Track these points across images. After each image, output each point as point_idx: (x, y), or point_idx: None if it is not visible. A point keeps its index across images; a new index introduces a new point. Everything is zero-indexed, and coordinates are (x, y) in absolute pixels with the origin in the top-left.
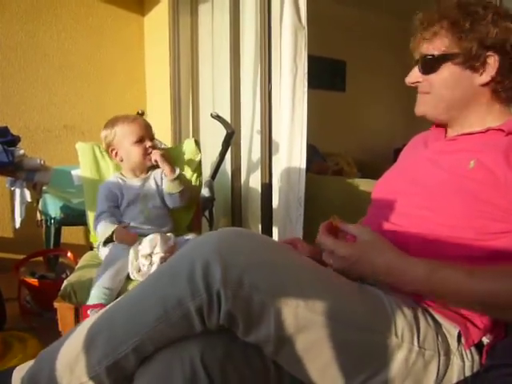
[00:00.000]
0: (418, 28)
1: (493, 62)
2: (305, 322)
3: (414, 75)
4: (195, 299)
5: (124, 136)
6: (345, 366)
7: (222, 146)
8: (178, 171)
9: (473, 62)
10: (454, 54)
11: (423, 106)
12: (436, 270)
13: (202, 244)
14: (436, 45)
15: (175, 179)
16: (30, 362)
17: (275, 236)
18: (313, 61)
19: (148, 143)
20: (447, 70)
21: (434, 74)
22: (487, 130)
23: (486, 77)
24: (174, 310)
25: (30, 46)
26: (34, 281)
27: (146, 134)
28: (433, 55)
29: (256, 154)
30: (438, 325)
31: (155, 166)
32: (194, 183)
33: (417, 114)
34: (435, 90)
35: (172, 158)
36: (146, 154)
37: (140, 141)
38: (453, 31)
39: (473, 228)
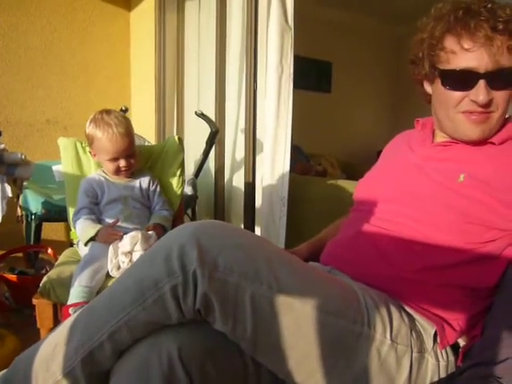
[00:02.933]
0: (492, 29)
1: None
2: (279, 306)
3: (487, 93)
4: (170, 280)
5: (99, 148)
6: (320, 355)
7: (206, 144)
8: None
9: None
10: None
11: (488, 132)
12: None
13: (179, 231)
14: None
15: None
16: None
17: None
18: (299, 61)
19: (122, 162)
20: None
21: (505, 91)
22: (479, 143)
23: None
24: (149, 291)
25: (13, 39)
26: (12, 277)
27: (121, 154)
28: None
29: (240, 153)
30: (412, 322)
31: (140, 166)
32: (176, 181)
33: (475, 137)
34: (502, 108)
35: (155, 155)
36: (119, 171)
37: (114, 160)
38: None
39: (460, 239)
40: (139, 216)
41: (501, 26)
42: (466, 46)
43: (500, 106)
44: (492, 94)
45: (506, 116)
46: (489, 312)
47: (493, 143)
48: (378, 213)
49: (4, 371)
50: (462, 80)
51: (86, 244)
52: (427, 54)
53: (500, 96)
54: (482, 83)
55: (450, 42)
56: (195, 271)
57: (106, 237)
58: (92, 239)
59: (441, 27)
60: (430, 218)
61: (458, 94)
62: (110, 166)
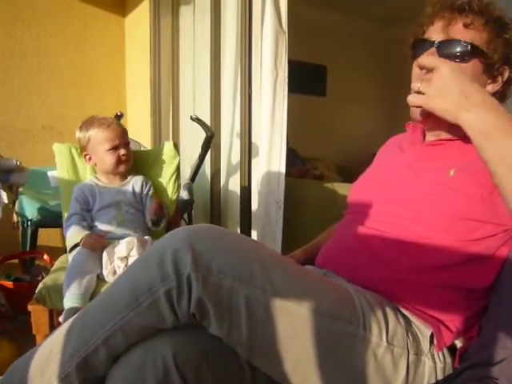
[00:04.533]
0: (458, 7)
1: (506, 74)
2: (274, 309)
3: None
4: (165, 284)
5: (98, 142)
6: (316, 358)
7: (202, 148)
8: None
9: (493, 69)
10: (486, 53)
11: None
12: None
13: (172, 235)
14: (472, 34)
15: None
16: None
17: (254, 238)
18: (293, 65)
19: (122, 151)
20: (471, 65)
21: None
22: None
23: (494, 87)
24: (144, 295)
25: (8, 46)
26: (8, 283)
27: (120, 142)
28: (469, 43)
29: (236, 157)
30: (408, 324)
31: (135, 170)
32: (172, 186)
33: (410, 104)
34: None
35: (150, 160)
36: (120, 162)
37: (114, 148)
38: (496, 33)
39: (451, 238)
40: (133, 221)
41: (465, 6)
42: (433, 23)
43: None
44: None
45: None
46: (485, 313)
47: None
48: (372, 214)
49: (0, 378)
50: (419, 48)
51: (70, 251)
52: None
53: None
54: (430, 50)
55: (427, 23)
56: (189, 275)
57: (90, 243)
58: (76, 246)
59: (428, 12)
60: (423, 217)
61: (416, 71)
62: (111, 158)
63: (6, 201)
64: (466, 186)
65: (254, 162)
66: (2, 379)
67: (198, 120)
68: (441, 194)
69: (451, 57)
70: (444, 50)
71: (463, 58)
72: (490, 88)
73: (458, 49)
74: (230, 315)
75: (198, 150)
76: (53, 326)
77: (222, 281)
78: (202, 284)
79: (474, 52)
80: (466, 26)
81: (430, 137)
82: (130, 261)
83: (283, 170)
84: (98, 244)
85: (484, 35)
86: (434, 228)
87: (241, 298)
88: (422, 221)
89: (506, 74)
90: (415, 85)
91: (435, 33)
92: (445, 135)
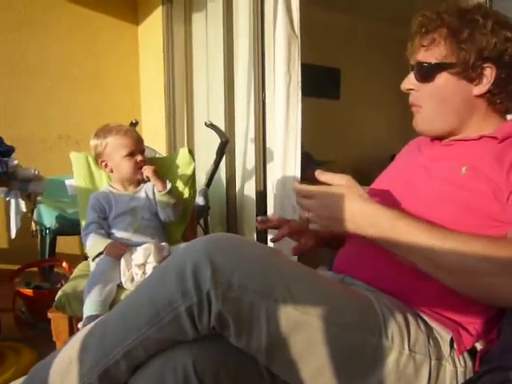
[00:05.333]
0: (417, 33)
1: (489, 73)
2: (294, 323)
3: (410, 81)
4: (186, 300)
5: (115, 149)
6: (336, 368)
7: (217, 154)
8: (169, 186)
9: (469, 73)
10: (451, 64)
11: (421, 124)
12: (402, 217)
13: (191, 247)
14: (433, 52)
15: (167, 193)
16: (23, 378)
17: (270, 244)
18: (307, 69)
19: (139, 157)
20: (443, 79)
21: (430, 83)
22: (480, 138)
23: (481, 88)
24: (164, 311)
25: (24, 57)
26: (28, 291)
27: (137, 148)
28: (429, 63)
29: (250, 162)
30: (429, 329)
31: (146, 180)
32: (188, 192)
33: (417, 131)
34: (428, 101)
35: (166, 167)
36: (137, 168)
37: (131, 154)
38: (451, 40)
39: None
40: (149, 227)
41: (423, 30)
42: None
43: (424, 99)
44: (419, 86)
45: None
46: (504, 314)
47: (495, 138)
48: None
49: (20, 381)
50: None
51: (93, 259)
52: None
53: (424, 88)
54: (410, 74)
55: None
56: (209, 292)
57: (114, 251)
58: (100, 254)
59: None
60: (437, 216)
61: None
62: (128, 165)
63: (24, 210)
64: (477, 183)
65: (268, 166)
66: (24, 382)
67: (212, 126)
68: (455, 193)
69: (424, 80)
70: (416, 73)
71: (433, 77)
72: (479, 90)
73: (424, 71)
74: (250, 328)
75: (213, 156)
76: (72, 332)
77: (242, 295)
78: (221, 300)
79: (438, 68)
80: (424, 46)
81: (447, 138)
82: (148, 267)
83: (298, 173)
84: (122, 252)
85: (443, 48)
86: (446, 226)
87: (262, 312)
88: (435, 220)
89: (489, 71)
90: (303, 214)
91: (411, 56)
92: (460, 136)
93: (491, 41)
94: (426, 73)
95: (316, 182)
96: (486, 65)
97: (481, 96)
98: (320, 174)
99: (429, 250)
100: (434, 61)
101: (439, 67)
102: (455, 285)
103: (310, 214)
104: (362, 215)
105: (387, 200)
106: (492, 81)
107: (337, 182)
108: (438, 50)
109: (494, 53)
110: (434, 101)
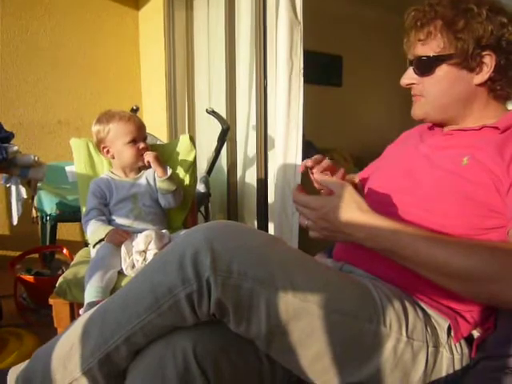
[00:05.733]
0: (412, 28)
1: (489, 60)
2: (294, 310)
3: (409, 76)
4: (186, 287)
5: (118, 135)
6: (335, 354)
7: (218, 141)
8: (169, 172)
9: (469, 62)
10: (449, 55)
11: (420, 110)
12: (401, 229)
13: (191, 234)
14: (431, 46)
15: (167, 179)
16: (26, 362)
17: (271, 231)
18: (309, 56)
19: (141, 144)
20: (443, 71)
21: (430, 76)
22: (481, 128)
23: (482, 76)
24: (164, 298)
25: (23, 41)
26: (29, 277)
27: (140, 135)
28: (428, 56)
29: (252, 150)
30: (427, 316)
31: (147, 166)
32: (188, 179)
33: (414, 118)
34: (430, 93)
35: (167, 154)
36: (139, 155)
37: (133, 141)
38: (448, 31)
39: (464, 225)
40: (150, 213)
41: (417, 24)
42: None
43: (426, 91)
44: (420, 80)
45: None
46: None
47: (497, 128)
48: (389, 204)
49: (23, 366)
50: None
51: (94, 246)
52: None
53: (425, 81)
54: (409, 69)
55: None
56: (209, 278)
57: (115, 238)
58: (101, 241)
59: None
60: (438, 206)
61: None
62: (130, 152)
63: (25, 196)
64: (478, 174)
65: (270, 154)
66: (26, 367)
67: (213, 113)
68: (455, 183)
69: (423, 73)
70: (415, 68)
71: (433, 70)
72: (480, 79)
73: (423, 65)
74: (250, 315)
75: (214, 143)
76: (73, 318)
77: (242, 282)
78: (221, 287)
79: (437, 61)
80: (421, 40)
81: (448, 128)
82: (148, 254)
83: (299, 161)
84: (124, 239)
85: (440, 40)
86: (447, 216)
87: (261, 299)
88: (437, 209)
89: (489, 59)
90: (303, 221)
91: (408, 51)
92: (463, 125)
93: (488, 28)
94: (426, 66)
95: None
96: (484, 53)
97: (481, 85)
98: (318, 175)
99: (429, 260)
100: (432, 54)
101: (438, 60)
102: (457, 290)
103: (309, 222)
104: (361, 228)
105: (387, 190)
106: (492, 68)
107: (335, 188)
108: (435, 43)
109: (491, 40)
110: (436, 92)
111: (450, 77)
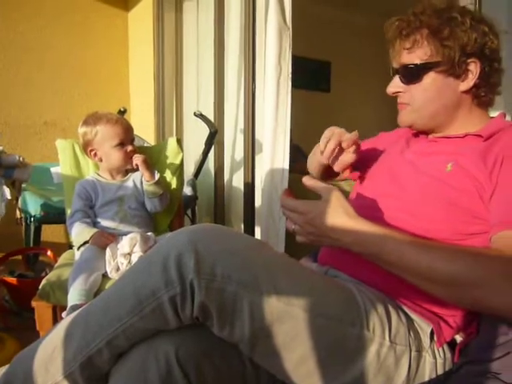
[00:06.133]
0: (396, 37)
1: (474, 67)
2: (278, 314)
3: (396, 85)
4: (169, 290)
5: (105, 138)
6: (318, 358)
7: (205, 144)
8: (157, 176)
9: (456, 69)
10: (437, 62)
11: (407, 118)
12: (388, 235)
13: (175, 237)
14: (417, 54)
15: (154, 183)
16: (7, 366)
17: (258, 235)
18: (297, 61)
19: (129, 147)
20: (430, 79)
21: (417, 84)
22: (465, 135)
23: (468, 83)
24: (147, 300)
25: (11, 41)
26: (12, 280)
27: (127, 138)
28: (415, 64)
29: (239, 154)
30: (410, 321)
31: (135, 169)
32: (175, 182)
33: (401, 125)
34: (418, 100)
35: (154, 156)
36: (128, 158)
37: (121, 144)
38: (434, 39)
39: (449, 230)
40: (135, 216)
41: (403, 33)
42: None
43: (413, 99)
44: (407, 88)
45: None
46: None
47: (480, 136)
48: (374, 209)
49: (4, 369)
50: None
51: (78, 248)
52: None
53: (412, 89)
54: (395, 77)
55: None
56: (192, 281)
57: (100, 240)
58: (86, 243)
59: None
60: (422, 211)
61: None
62: (118, 155)
63: (9, 197)
64: (462, 180)
65: (257, 158)
66: (7, 370)
67: (201, 116)
68: (440, 189)
69: (410, 81)
70: (402, 76)
71: (420, 77)
72: (465, 85)
73: (410, 73)
74: (233, 318)
75: (202, 146)
76: (56, 321)
77: (225, 285)
78: (204, 290)
79: (424, 68)
80: (406, 49)
81: (433, 134)
82: (133, 257)
83: (287, 166)
84: (109, 242)
85: (427, 48)
86: (432, 221)
87: (245, 302)
88: (422, 214)
89: (474, 66)
90: (290, 225)
91: (393, 60)
92: (447, 132)
93: (472, 36)
94: (413, 74)
95: (305, 174)
96: (470, 60)
97: (467, 92)
98: (307, 180)
99: (413, 266)
100: (419, 61)
101: (426, 67)
102: (441, 295)
103: (296, 226)
104: (348, 233)
105: (372, 195)
106: (477, 75)
107: (323, 193)
108: (421, 51)
109: (475, 47)
110: (423, 100)
111: (438, 84)
